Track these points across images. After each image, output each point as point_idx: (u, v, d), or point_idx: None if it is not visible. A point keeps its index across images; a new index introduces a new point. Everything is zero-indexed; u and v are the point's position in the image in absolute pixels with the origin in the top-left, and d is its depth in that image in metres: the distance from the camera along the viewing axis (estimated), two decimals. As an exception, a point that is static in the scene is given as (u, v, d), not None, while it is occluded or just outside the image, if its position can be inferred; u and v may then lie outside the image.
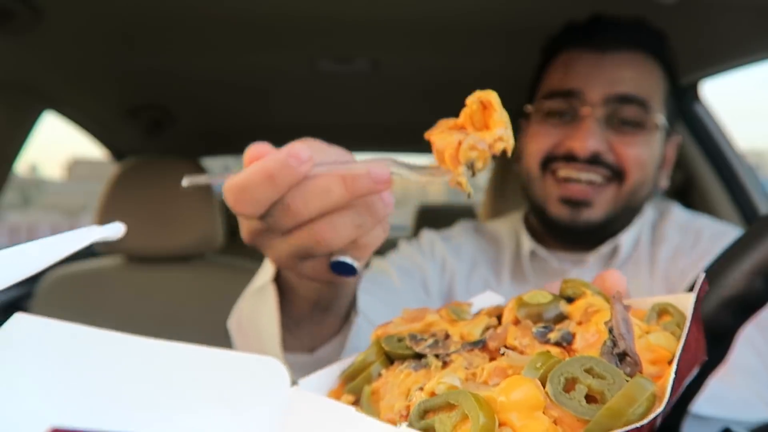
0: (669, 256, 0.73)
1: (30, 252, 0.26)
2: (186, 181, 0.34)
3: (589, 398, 0.24)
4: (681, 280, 0.70)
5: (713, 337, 0.37)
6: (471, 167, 0.34)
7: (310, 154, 0.33)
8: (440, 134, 0.35)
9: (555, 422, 0.23)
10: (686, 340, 0.25)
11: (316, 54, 1.15)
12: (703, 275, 0.29)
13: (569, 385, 0.25)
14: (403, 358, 0.33)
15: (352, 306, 0.50)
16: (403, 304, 0.72)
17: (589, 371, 0.25)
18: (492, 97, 0.34)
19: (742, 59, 0.98)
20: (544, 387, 0.24)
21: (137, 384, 0.25)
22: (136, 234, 1.24)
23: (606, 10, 0.74)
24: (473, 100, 0.35)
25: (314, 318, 0.48)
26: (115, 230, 0.31)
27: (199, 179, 0.34)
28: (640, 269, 0.74)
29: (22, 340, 0.24)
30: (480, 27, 1.00)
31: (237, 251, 1.19)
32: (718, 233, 0.74)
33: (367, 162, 0.34)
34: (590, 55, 0.71)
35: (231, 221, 1.37)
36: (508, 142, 0.34)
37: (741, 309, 0.36)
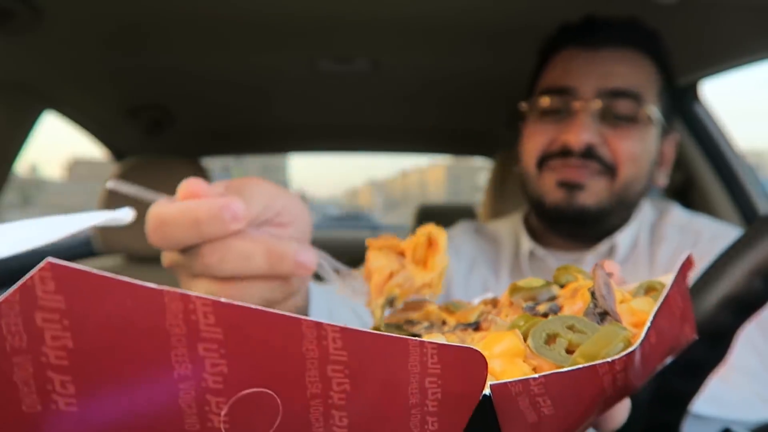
0: (668, 257, 0.74)
1: (42, 225, 0.26)
2: (112, 184, 0.33)
3: (570, 352, 0.25)
4: None
5: (713, 337, 0.37)
6: (390, 302, 0.34)
7: (245, 214, 0.31)
8: (379, 251, 0.36)
9: (534, 369, 0.24)
10: (666, 300, 0.25)
11: (316, 54, 1.15)
12: (688, 253, 0.29)
13: (550, 340, 0.25)
14: None
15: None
16: None
17: (570, 327, 0.25)
18: (441, 237, 0.35)
19: (742, 59, 0.98)
20: (525, 342, 0.25)
21: None
22: (136, 234, 1.24)
23: (605, 10, 0.75)
24: (423, 233, 0.35)
25: None
26: (124, 215, 0.31)
27: (126, 188, 0.33)
28: (639, 269, 0.74)
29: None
30: (480, 27, 1.00)
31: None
32: (717, 234, 0.74)
33: (300, 245, 0.33)
34: (584, 53, 0.73)
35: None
36: (436, 289, 0.35)
37: (740, 309, 0.36)
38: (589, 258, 0.75)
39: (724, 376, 0.59)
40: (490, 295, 0.39)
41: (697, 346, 0.37)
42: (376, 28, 1.02)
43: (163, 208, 0.32)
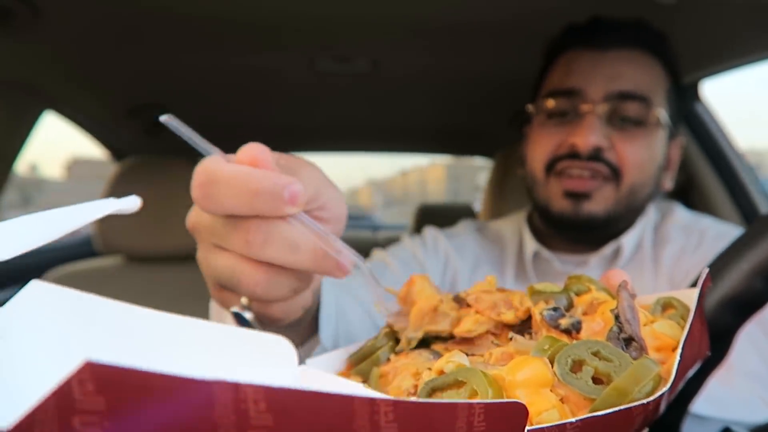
0: (673, 257, 0.73)
1: (48, 219, 0.26)
2: (164, 118, 0.29)
3: (596, 380, 0.25)
4: (685, 281, 0.70)
5: (713, 336, 0.37)
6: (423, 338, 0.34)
7: (303, 199, 0.29)
8: (424, 279, 0.36)
9: (562, 400, 0.24)
10: (690, 329, 0.25)
11: (316, 54, 1.15)
12: (706, 270, 0.29)
13: (576, 367, 0.25)
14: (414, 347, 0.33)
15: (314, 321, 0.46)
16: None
17: (596, 354, 0.25)
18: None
19: (742, 59, 0.98)
20: (551, 367, 0.25)
21: (153, 351, 0.25)
22: (136, 234, 1.24)
23: (606, 10, 0.75)
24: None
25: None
26: (132, 203, 0.30)
27: (180, 128, 0.29)
28: (643, 270, 0.73)
29: (39, 307, 0.24)
30: (480, 27, 1.00)
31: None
32: (721, 234, 0.74)
33: (344, 247, 0.32)
34: (591, 54, 0.72)
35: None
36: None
37: (741, 309, 0.36)
38: (594, 260, 0.75)
39: (726, 378, 0.58)
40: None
41: (697, 346, 0.37)
42: (376, 28, 1.02)
43: (217, 166, 0.29)
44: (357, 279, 0.65)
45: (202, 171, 0.29)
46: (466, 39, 1.05)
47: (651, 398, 0.22)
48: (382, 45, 1.10)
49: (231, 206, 0.29)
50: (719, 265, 0.38)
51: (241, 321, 0.35)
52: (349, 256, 0.32)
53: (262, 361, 0.26)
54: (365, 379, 0.32)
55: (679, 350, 0.24)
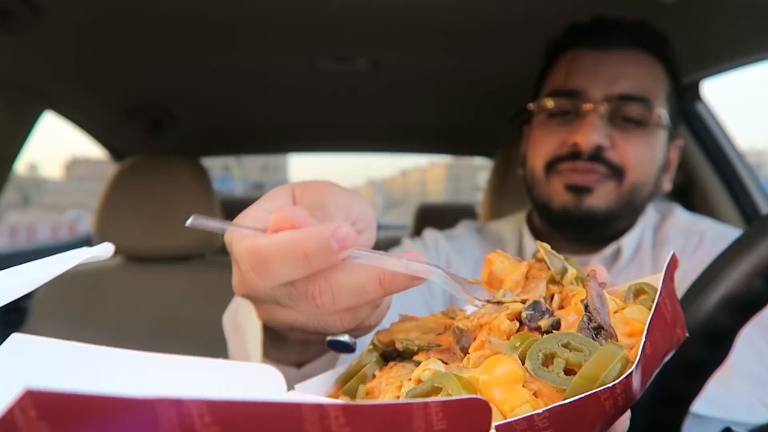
0: None
1: (22, 273, 0.26)
2: (191, 221, 0.29)
3: (568, 372, 0.25)
4: (684, 282, 0.69)
5: (713, 337, 0.37)
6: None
7: (354, 239, 0.29)
8: (501, 256, 0.34)
9: (535, 394, 0.24)
10: (657, 308, 0.26)
11: (315, 53, 1.15)
12: (672, 252, 0.29)
13: (548, 360, 0.25)
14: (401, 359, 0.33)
15: None
16: (407, 301, 0.72)
17: (566, 346, 0.25)
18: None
19: (742, 59, 0.98)
20: (523, 364, 0.25)
21: (139, 389, 0.25)
22: (135, 233, 1.24)
23: (606, 9, 0.75)
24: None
25: (299, 341, 0.46)
26: (105, 250, 0.29)
27: (208, 224, 0.29)
28: (643, 271, 0.73)
29: (18, 360, 0.24)
30: (480, 27, 1.00)
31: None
32: (721, 235, 0.74)
33: (406, 258, 0.31)
34: (592, 54, 0.72)
35: (231, 221, 1.37)
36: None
37: (741, 309, 0.36)
38: (594, 261, 0.75)
39: (726, 380, 0.58)
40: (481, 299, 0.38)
41: (697, 347, 0.37)
42: (376, 28, 1.02)
43: (261, 243, 0.29)
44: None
45: (248, 253, 0.29)
46: (466, 39, 1.05)
47: (617, 381, 0.22)
48: (382, 45, 1.10)
49: (288, 275, 0.29)
50: (719, 265, 0.38)
51: (336, 345, 0.35)
52: (417, 267, 0.31)
53: (250, 389, 0.26)
54: (352, 399, 0.32)
55: (644, 330, 0.24)
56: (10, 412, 0.13)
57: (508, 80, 1.20)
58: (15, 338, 0.25)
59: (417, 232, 1.75)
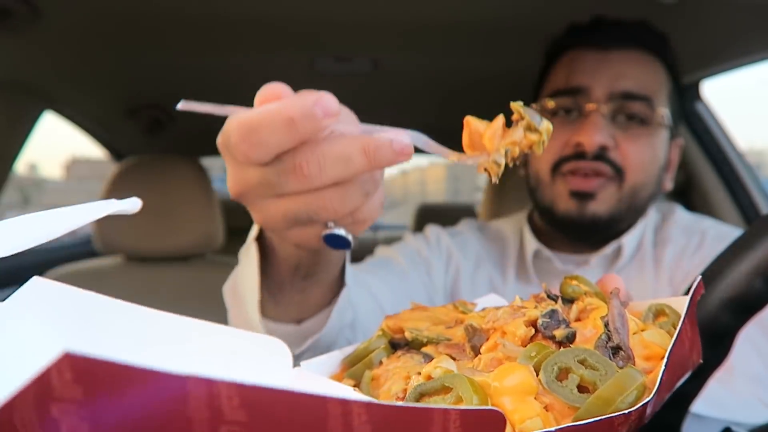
0: (673, 258, 0.73)
1: (49, 218, 0.26)
2: (181, 104, 0.30)
3: (582, 388, 0.25)
4: (685, 282, 0.70)
5: (713, 337, 0.37)
6: (505, 155, 0.33)
7: (338, 108, 0.30)
8: (478, 120, 0.34)
9: (546, 408, 0.24)
10: (679, 336, 0.25)
11: (316, 53, 1.15)
12: (699, 278, 0.29)
13: (562, 374, 0.25)
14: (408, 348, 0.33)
15: (340, 279, 0.48)
16: (409, 289, 0.72)
17: (582, 362, 0.25)
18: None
19: (742, 59, 0.98)
20: (537, 375, 0.25)
21: (149, 349, 0.25)
22: (135, 233, 1.24)
23: (606, 9, 0.75)
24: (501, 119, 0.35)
25: (296, 285, 0.45)
26: (132, 204, 0.30)
27: (199, 107, 0.30)
28: (644, 271, 0.73)
29: (38, 303, 0.25)
30: (480, 27, 1.00)
31: (237, 251, 1.19)
32: (722, 235, 0.74)
33: (389, 131, 0.32)
34: (594, 53, 0.72)
35: (231, 221, 1.37)
36: (539, 148, 0.34)
37: (741, 309, 0.36)
38: (595, 260, 0.75)
39: (726, 380, 0.58)
40: (493, 297, 0.39)
41: (697, 347, 0.37)
42: (376, 28, 1.02)
43: (248, 114, 0.30)
44: (374, 279, 0.67)
45: (237, 126, 0.30)
46: (466, 39, 1.05)
47: (633, 408, 0.22)
48: (382, 45, 1.09)
49: (276, 143, 0.30)
50: (719, 266, 0.37)
51: (333, 241, 0.35)
52: (401, 137, 0.32)
53: (258, 362, 0.26)
54: (357, 383, 0.32)
55: (664, 360, 0.24)
56: (47, 372, 0.13)
57: (508, 80, 1.20)
58: (34, 281, 0.25)
59: (417, 231, 1.75)
